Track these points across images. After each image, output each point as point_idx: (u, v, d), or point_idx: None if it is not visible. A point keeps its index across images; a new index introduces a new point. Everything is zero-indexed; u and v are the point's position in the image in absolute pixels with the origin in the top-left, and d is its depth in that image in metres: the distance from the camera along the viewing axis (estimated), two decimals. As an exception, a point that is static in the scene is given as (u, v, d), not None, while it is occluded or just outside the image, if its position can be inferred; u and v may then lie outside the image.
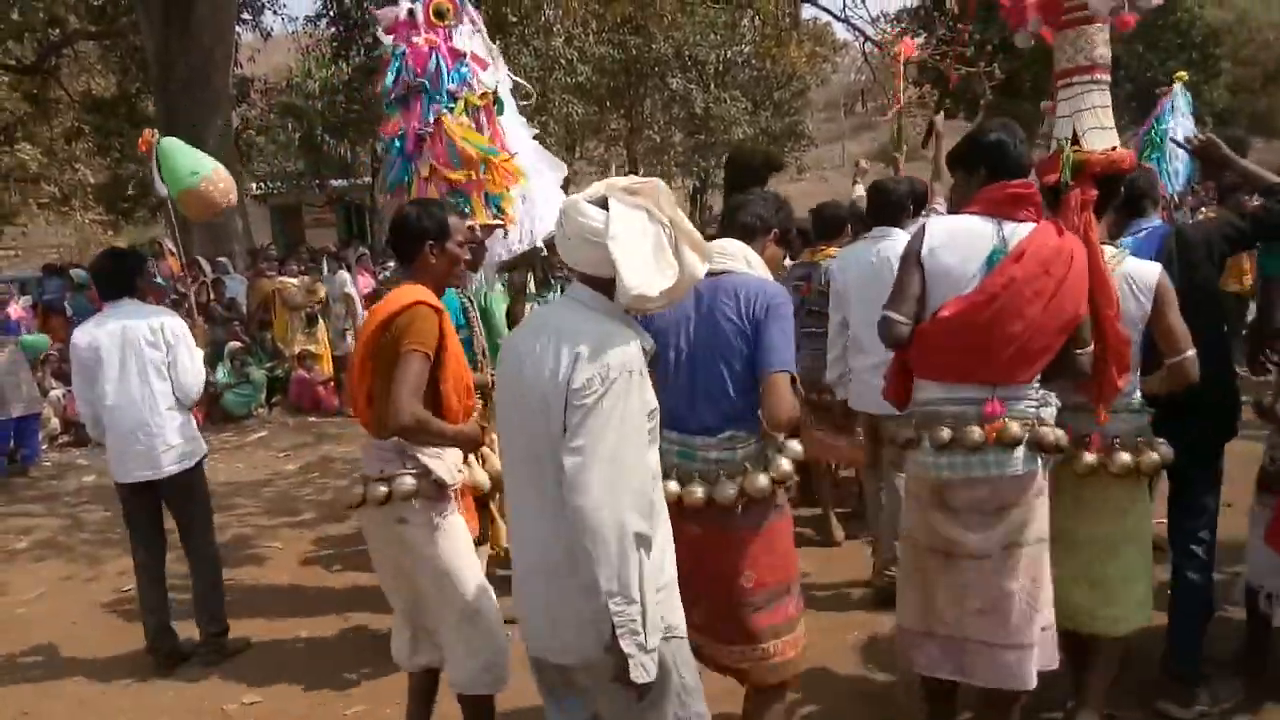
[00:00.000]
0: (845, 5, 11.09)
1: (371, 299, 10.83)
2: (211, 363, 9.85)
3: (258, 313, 11.14)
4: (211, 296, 11.42)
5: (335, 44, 19.23)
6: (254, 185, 22.30)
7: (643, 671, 1.97)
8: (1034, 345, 2.66)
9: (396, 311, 2.82)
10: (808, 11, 19.37)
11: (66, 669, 4.40)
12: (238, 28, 18.00)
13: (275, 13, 21.72)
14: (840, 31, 25.86)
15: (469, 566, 3.00)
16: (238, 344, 10.30)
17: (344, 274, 10.93)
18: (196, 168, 4.65)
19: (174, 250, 12.46)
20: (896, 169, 5.68)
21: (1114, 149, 2.85)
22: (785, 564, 2.74)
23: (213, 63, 13.40)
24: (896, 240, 4.27)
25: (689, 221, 2.17)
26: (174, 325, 4.23)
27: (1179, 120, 6.61)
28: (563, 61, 17.74)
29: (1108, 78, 2.90)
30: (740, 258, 2.77)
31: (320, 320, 10.54)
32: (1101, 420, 2.92)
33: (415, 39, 3.90)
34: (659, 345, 2.48)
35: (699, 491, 2.62)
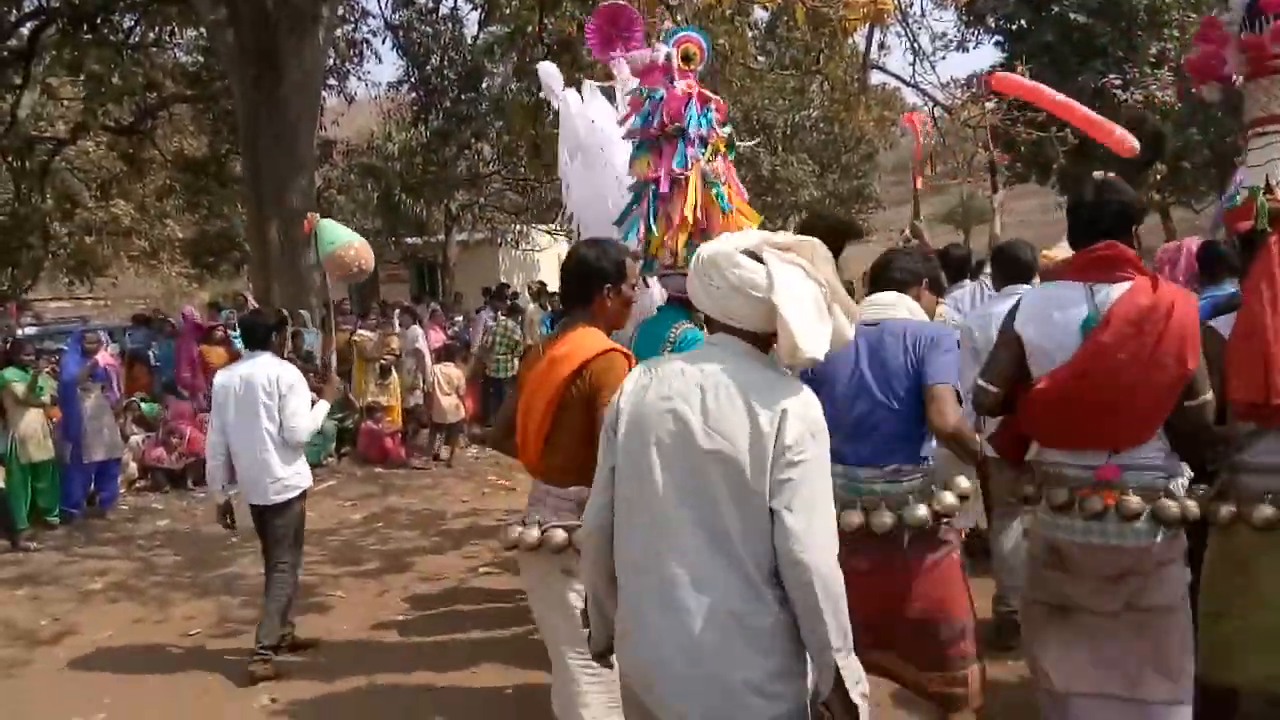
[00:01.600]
0: (915, 71, 11.14)
1: (442, 354, 11.06)
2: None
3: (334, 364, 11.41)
4: (290, 350, 11.76)
5: (415, 109, 19.92)
6: (333, 242, 23.00)
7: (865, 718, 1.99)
8: (1141, 407, 2.63)
9: (588, 359, 2.77)
10: (876, 77, 19.50)
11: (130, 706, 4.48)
12: (323, 93, 18.79)
13: (359, 79, 22.71)
14: (910, 96, 25.90)
15: None
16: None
17: (417, 329, 11.18)
18: (334, 239, 5.44)
19: (254, 303, 12.95)
20: (919, 238, 5.72)
21: None
22: (953, 602, 2.75)
23: (299, 126, 13.95)
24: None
25: (839, 282, 2.15)
26: (289, 377, 4.94)
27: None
28: (633, 125, 18.07)
29: None
30: (901, 306, 2.90)
31: (393, 373, 10.76)
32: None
33: (676, 84, 3.78)
34: (825, 387, 2.68)
35: (856, 519, 2.70)
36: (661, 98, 3.72)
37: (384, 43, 25.62)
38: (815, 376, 2.69)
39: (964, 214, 27.97)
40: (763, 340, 2.09)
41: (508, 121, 17.16)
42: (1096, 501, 2.63)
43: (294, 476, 4.95)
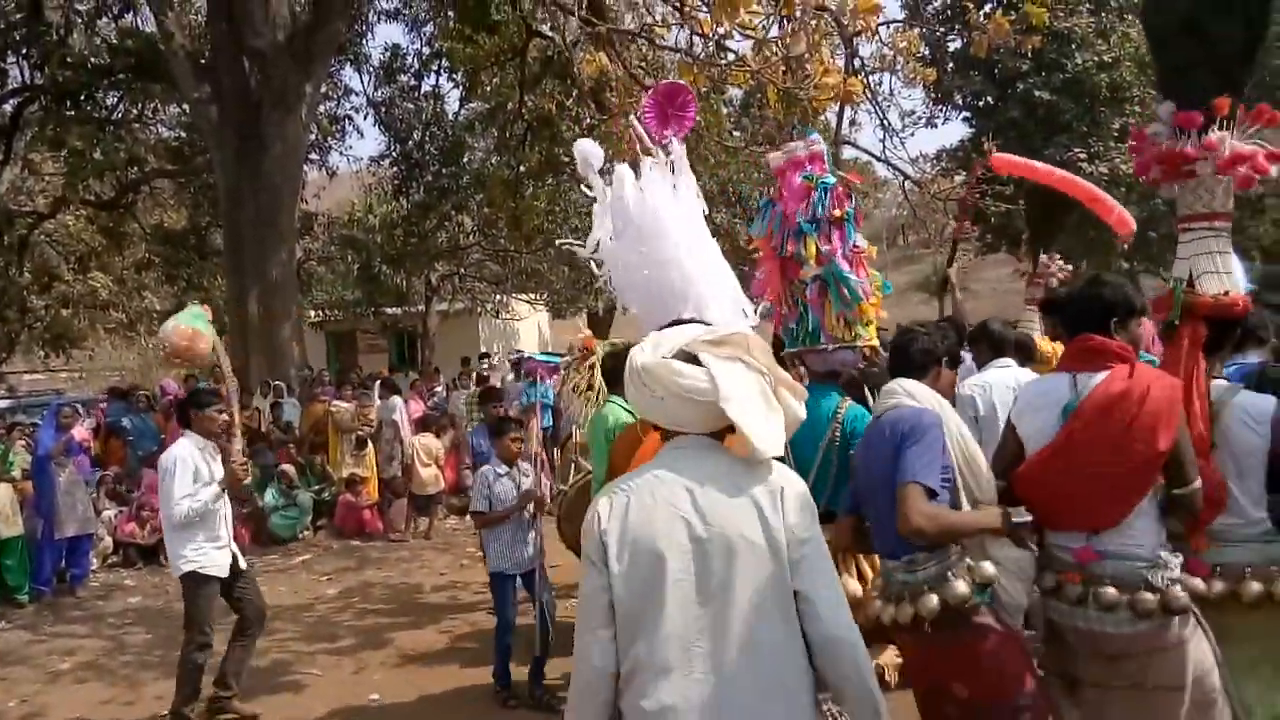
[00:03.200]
0: (885, 147, 11.41)
1: (421, 424, 11.03)
2: (260, 486, 10.04)
3: (309, 435, 11.37)
4: (269, 421, 11.72)
5: (396, 182, 20.16)
6: (312, 312, 23.08)
7: None
8: (1113, 488, 2.71)
9: None
10: (848, 152, 19.95)
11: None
12: (305, 167, 19.01)
13: (341, 154, 23.04)
14: (881, 170, 26.49)
15: None
16: (289, 466, 10.47)
17: (396, 399, 11.15)
18: (178, 320, 5.34)
19: (224, 378, 12.91)
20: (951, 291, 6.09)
21: (1227, 293, 2.99)
22: (999, 682, 2.70)
23: (280, 200, 14.09)
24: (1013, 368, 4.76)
25: (779, 367, 2.20)
26: (167, 458, 5.04)
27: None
28: (612, 198, 18.33)
29: (1227, 225, 3.08)
30: (901, 393, 2.97)
31: (370, 444, 10.71)
32: (1200, 548, 2.95)
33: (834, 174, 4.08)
34: (861, 487, 2.97)
35: (888, 612, 2.79)
36: (830, 186, 3.94)
37: (366, 118, 25.99)
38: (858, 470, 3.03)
39: (938, 283, 28.48)
40: (719, 435, 2.13)
41: (488, 194, 17.41)
42: (1073, 588, 2.72)
43: (179, 558, 4.98)
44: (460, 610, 7.14)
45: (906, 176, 11.33)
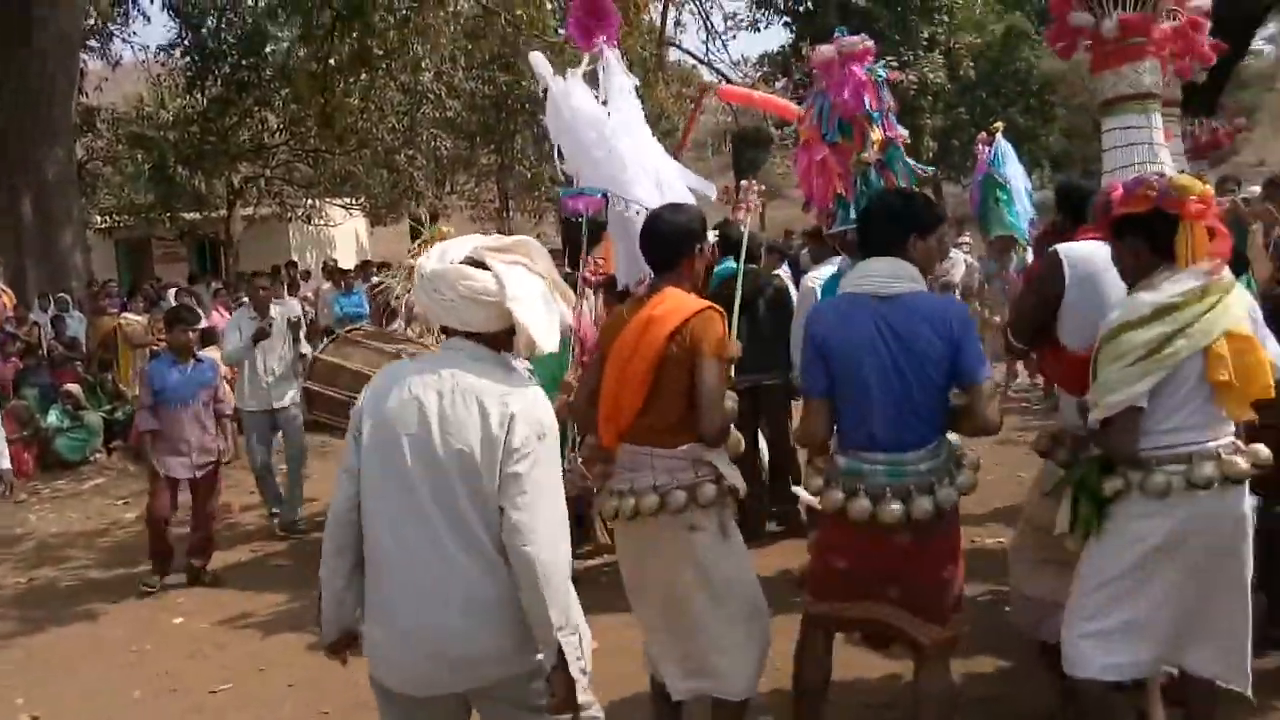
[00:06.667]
0: (709, 50, 11.38)
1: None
2: (41, 407, 9.28)
3: (98, 352, 10.52)
4: (51, 335, 10.77)
5: (190, 74, 18.47)
6: (99, 218, 21.15)
7: (583, 693, 2.21)
8: None
9: (688, 317, 2.81)
10: (673, 54, 19.84)
11: None
12: (84, 55, 17.14)
13: (125, 40, 20.72)
14: (706, 74, 26.56)
15: (749, 569, 3.02)
16: (74, 385, 9.65)
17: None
18: None
19: (4, 288, 11.71)
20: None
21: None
22: (952, 566, 2.85)
23: (54, 91, 12.71)
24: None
25: (556, 272, 2.37)
26: None
27: (1013, 166, 7.12)
28: (431, 96, 17.54)
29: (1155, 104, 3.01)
30: (908, 277, 2.80)
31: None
32: None
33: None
34: (845, 371, 2.75)
35: (860, 507, 2.72)
36: (884, 79, 4.13)
37: (153, 2, 23.65)
38: (839, 358, 2.76)
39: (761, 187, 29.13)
40: (498, 338, 2.28)
41: (293, 89, 16.25)
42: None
43: None
44: (269, 530, 6.83)
45: (728, 80, 11.36)
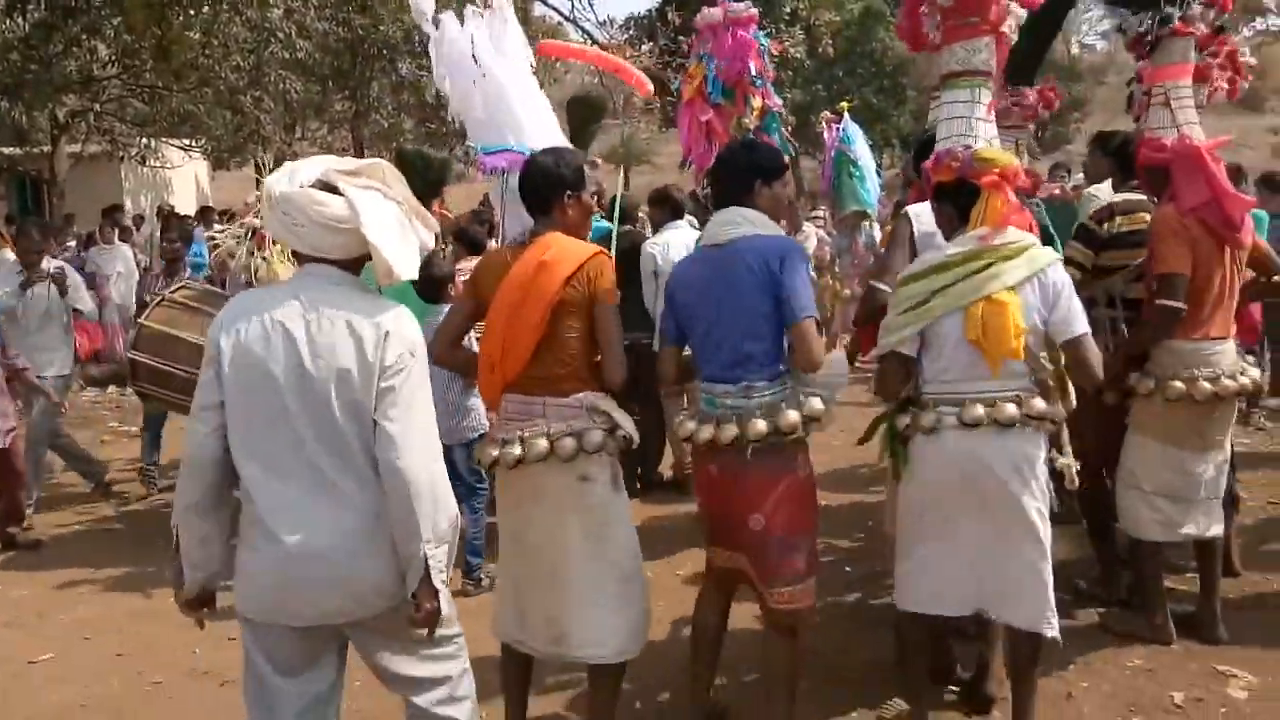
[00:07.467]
0: (574, 6, 11.24)
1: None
2: None
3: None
4: None
5: (9, -5, 16.86)
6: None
7: (446, 605, 2.22)
8: None
9: (581, 263, 2.77)
10: (539, 9, 19.48)
11: None
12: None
13: (-70, -48, 18.71)
14: (572, 33, 26.25)
15: (632, 526, 2.97)
16: None
17: (7, 253, 9.57)
18: None
19: None
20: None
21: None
22: (798, 518, 2.87)
23: None
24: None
25: (412, 196, 2.31)
26: None
27: (860, 145, 7.53)
28: (280, 35, 16.61)
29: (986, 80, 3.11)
30: (744, 222, 2.88)
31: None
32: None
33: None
34: (690, 316, 2.92)
35: (707, 434, 2.84)
36: (767, 46, 4.30)
37: (-37, -91, 21.37)
38: (684, 305, 2.95)
39: (625, 153, 28.99)
40: (353, 264, 2.26)
41: (126, 18, 15.09)
42: None
43: None
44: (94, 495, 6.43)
45: (594, 41, 11.27)
